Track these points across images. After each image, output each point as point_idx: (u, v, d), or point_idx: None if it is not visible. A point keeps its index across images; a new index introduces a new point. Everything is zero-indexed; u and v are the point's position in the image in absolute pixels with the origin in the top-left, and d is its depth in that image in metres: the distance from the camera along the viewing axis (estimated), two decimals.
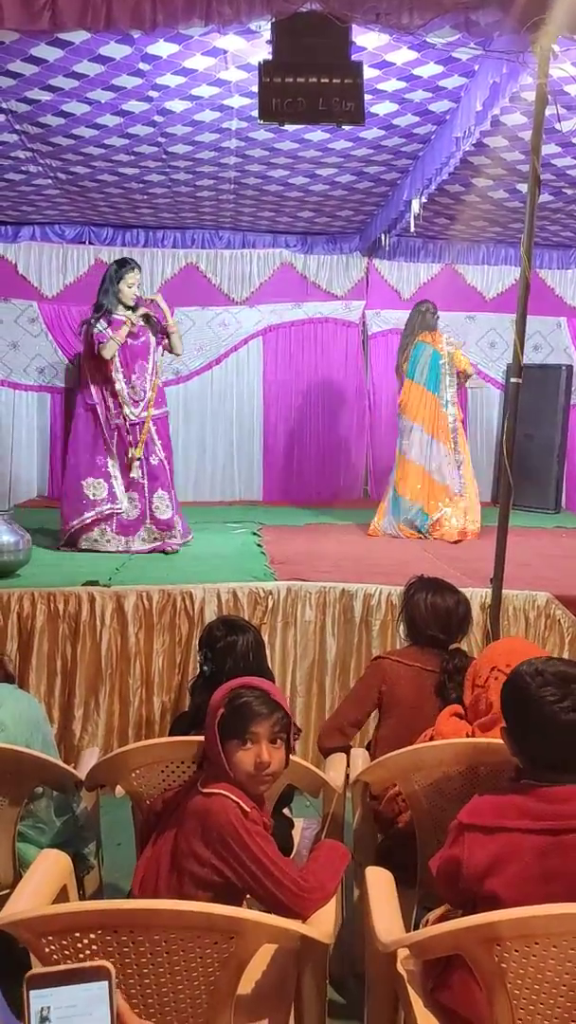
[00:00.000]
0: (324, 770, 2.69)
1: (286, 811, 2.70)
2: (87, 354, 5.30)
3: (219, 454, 8.11)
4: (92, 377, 5.23)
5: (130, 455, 5.18)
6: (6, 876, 2.32)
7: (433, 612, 2.88)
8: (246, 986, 1.90)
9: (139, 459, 5.19)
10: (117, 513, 5.17)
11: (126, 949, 1.56)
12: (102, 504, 5.14)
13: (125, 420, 5.19)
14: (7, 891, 2.24)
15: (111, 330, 5.14)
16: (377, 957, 1.89)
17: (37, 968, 0.86)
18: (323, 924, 1.84)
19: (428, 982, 1.84)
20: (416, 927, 2.20)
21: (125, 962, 1.57)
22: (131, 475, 5.19)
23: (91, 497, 5.16)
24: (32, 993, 0.83)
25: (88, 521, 5.16)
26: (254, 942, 1.66)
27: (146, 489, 5.22)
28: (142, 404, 5.22)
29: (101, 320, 5.17)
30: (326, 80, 3.71)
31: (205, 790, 1.90)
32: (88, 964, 0.85)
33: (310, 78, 3.70)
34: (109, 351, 5.12)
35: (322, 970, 1.99)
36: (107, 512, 5.15)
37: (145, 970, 1.58)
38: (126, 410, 5.19)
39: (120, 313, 5.22)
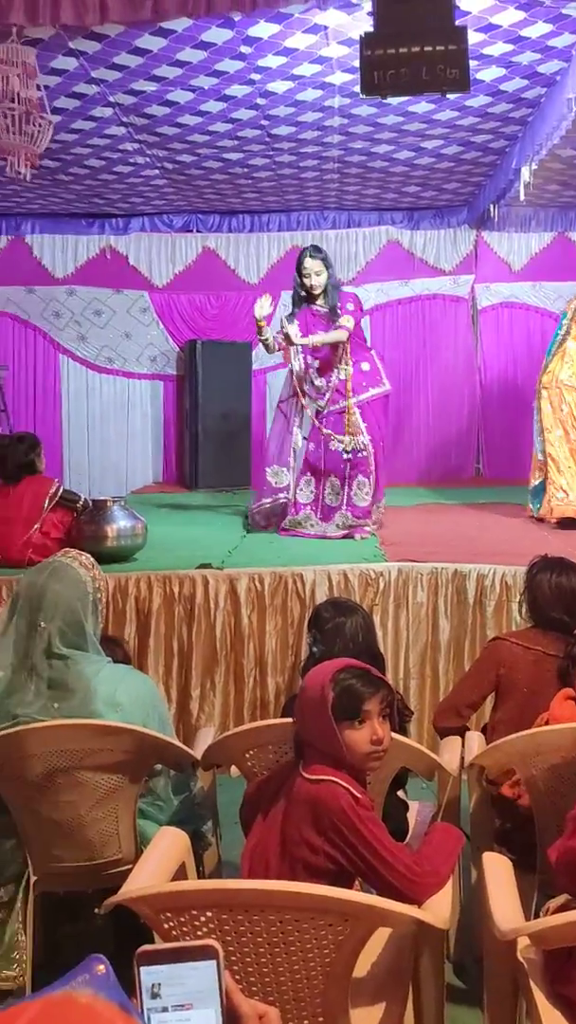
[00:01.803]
0: (439, 753, 2.65)
1: (400, 793, 2.68)
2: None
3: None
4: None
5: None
6: (128, 852, 2.39)
7: (558, 593, 2.77)
8: (362, 970, 1.90)
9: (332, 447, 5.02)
10: (300, 500, 5.10)
11: (242, 928, 1.58)
12: (285, 491, 5.15)
13: (315, 411, 5.08)
14: (129, 867, 2.31)
15: (286, 327, 4.95)
16: (496, 945, 1.85)
17: (146, 945, 0.87)
18: (439, 909, 1.82)
19: (549, 973, 1.79)
20: (536, 914, 2.14)
21: (241, 941, 1.59)
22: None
23: (273, 484, 5.21)
24: (143, 969, 0.85)
25: (266, 506, 5.22)
26: (369, 926, 1.65)
27: (346, 475, 5.00)
28: (327, 396, 5.04)
29: (288, 316, 5.03)
30: (429, 48, 3.61)
31: (312, 776, 1.89)
32: (196, 943, 0.86)
33: (413, 47, 3.61)
34: (270, 351, 5.06)
35: (439, 955, 1.97)
36: (283, 499, 5.14)
37: (261, 949, 1.60)
38: (312, 402, 5.10)
39: (298, 308, 5.03)
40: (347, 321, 4.94)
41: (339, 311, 4.96)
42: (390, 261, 7.87)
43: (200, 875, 2.52)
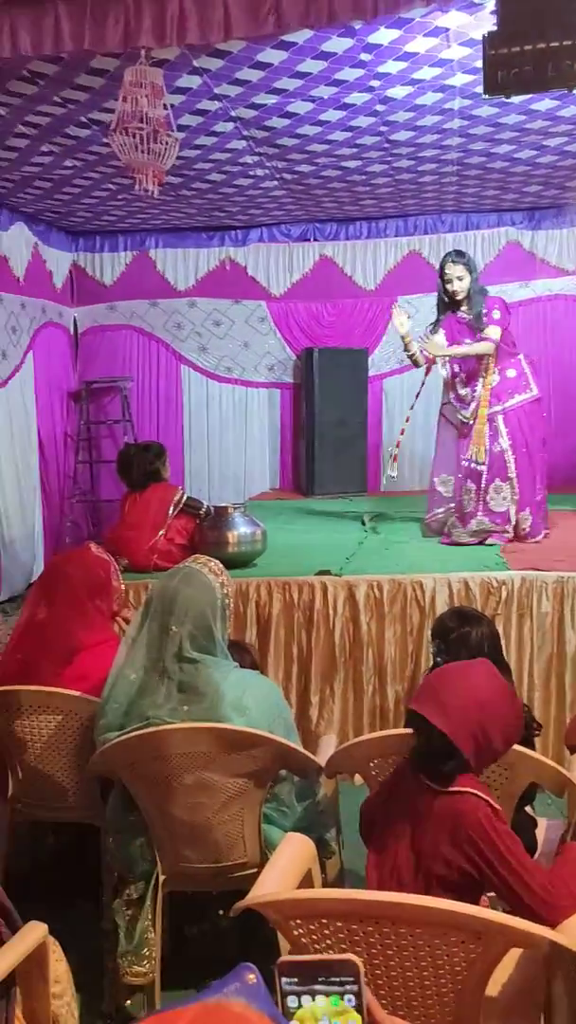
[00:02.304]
0: (569, 768, 2.56)
1: (528, 809, 2.61)
2: None
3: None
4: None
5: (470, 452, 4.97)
6: (253, 855, 2.42)
7: None
8: (494, 989, 1.85)
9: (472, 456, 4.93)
10: (462, 507, 5.00)
11: (372, 940, 1.57)
12: (450, 500, 5.11)
13: (459, 421, 5.06)
14: (254, 870, 2.33)
15: (429, 338, 4.95)
16: None
17: (288, 956, 0.87)
18: (574, 931, 1.75)
19: None
20: None
21: (371, 952, 1.58)
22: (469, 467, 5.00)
23: (442, 493, 5.19)
24: (284, 980, 0.85)
25: (439, 515, 5.19)
26: (502, 945, 1.61)
27: (483, 480, 4.89)
28: (471, 407, 4.94)
29: (433, 325, 5.01)
30: (555, 44, 3.51)
31: (453, 789, 1.86)
32: (338, 957, 0.86)
33: (538, 44, 3.52)
34: (418, 365, 5.02)
35: (573, 979, 1.90)
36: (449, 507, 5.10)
37: (391, 963, 1.59)
38: (455, 412, 5.09)
39: (444, 314, 4.98)
40: (493, 332, 4.81)
41: (484, 319, 4.83)
42: (510, 263, 7.70)
43: (323, 883, 2.52)
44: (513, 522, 4.90)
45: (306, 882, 2.03)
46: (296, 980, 0.86)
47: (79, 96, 4.65)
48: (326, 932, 1.61)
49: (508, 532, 4.90)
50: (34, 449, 7.32)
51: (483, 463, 4.86)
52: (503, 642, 3.94)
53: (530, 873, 1.81)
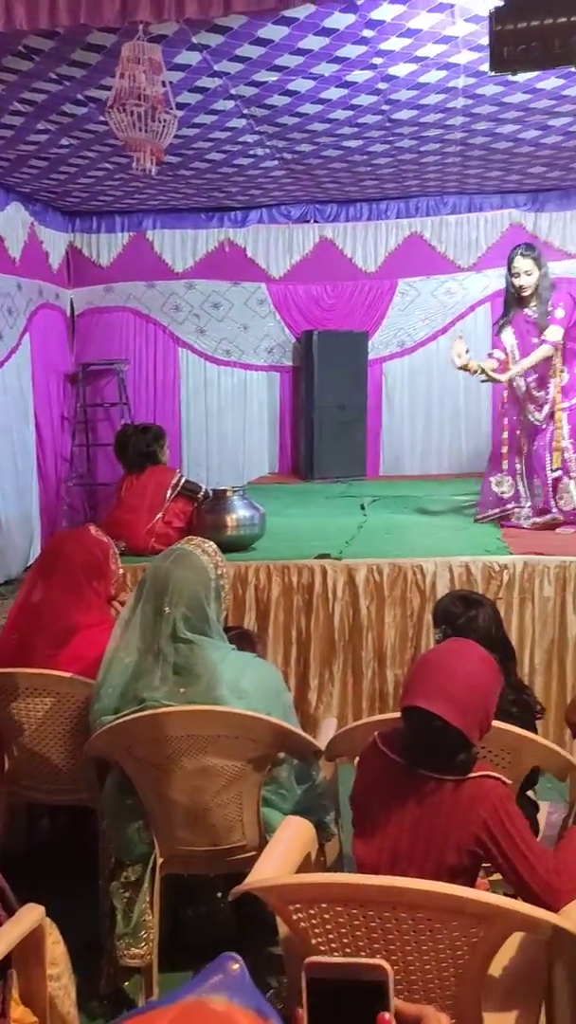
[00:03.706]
0: (571, 752, 2.55)
1: (530, 793, 2.59)
2: None
3: (446, 426, 7.94)
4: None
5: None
6: (252, 839, 2.40)
7: None
8: (495, 972, 1.84)
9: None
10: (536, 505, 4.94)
11: (372, 924, 1.55)
12: (512, 502, 5.01)
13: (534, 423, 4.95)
14: (252, 853, 2.31)
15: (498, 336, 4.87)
16: None
17: (315, 956, 0.84)
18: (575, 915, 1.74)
19: None
20: None
21: (372, 937, 1.56)
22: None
23: (498, 493, 5.06)
24: (311, 979, 0.82)
25: (493, 515, 5.06)
26: (504, 929, 1.59)
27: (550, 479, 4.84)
28: (545, 409, 4.86)
29: (500, 324, 4.90)
30: (563, 19, 3.46)
31: (473, 775, 1.81)
32: (367, 961, 0.83)
33: (545, 19, 3.46)
34: (495, 381, 4.82)
35: (574, 963, 1.88)
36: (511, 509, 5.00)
37: (392, 947, 1.57)
38: (532, 414, 4.96)
39: (513, 311, 4.86)
40: (552, 334, 4.67)
41: (548, 318, 4.71)
42: (512, 245, 7.60)
43: (321, 866, 2.50)
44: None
45: (305, 866, 2.01)
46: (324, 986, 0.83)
47: (76, 72, 4.57)
48: (326, 917, 1.59)
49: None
50: (31, 431, 7.27)
51: (557, 468, 4.78)
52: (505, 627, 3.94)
53: (537, 857, 1.79)
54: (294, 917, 1.61)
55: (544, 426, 4.86)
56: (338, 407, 7.61)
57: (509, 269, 4.80)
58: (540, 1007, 1.85)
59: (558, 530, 4.73)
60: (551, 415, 4.82)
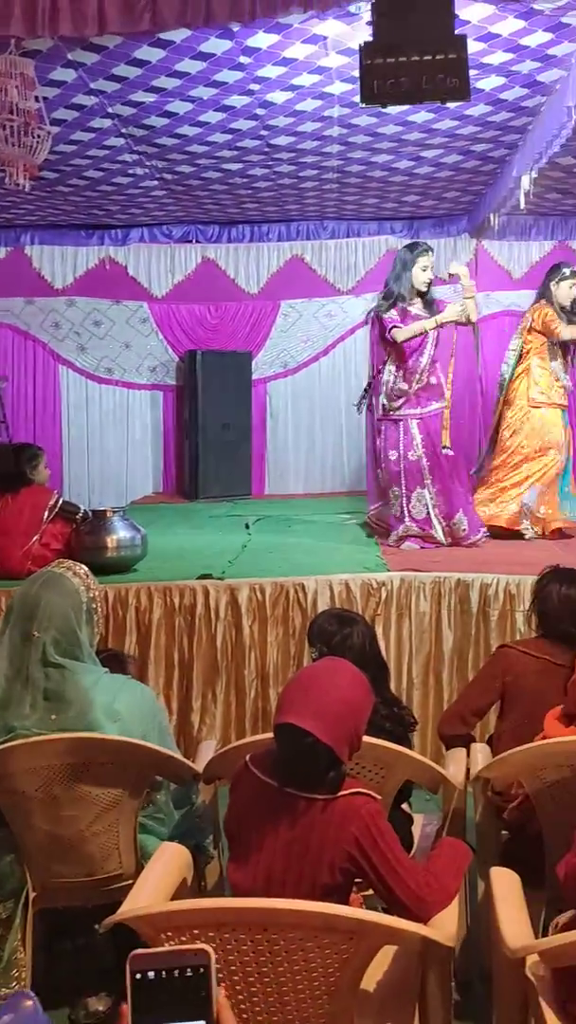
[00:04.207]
0: (444, 765, 2.62)
1: (405, 806, 2.65)
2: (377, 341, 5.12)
3: (328, 445, 8.08)
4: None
5: None
6: (129, 867, 2.36)
7: (567, 604, 2.76)
8: (368, 987, 1.87)
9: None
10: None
11: (244, 947, 1.55)
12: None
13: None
14: (130, 882, 2.27)
15: (402, 321, 4.96)
16: (504, 962, 1.81)
17: (139, 950, 0.86)
18: (446, 926, 1.78)
19: (560, 991, 1.75)
20: (545, 931, 2.11)
21: (244, 960, 1.56)
22: None
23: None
24: (135, 973, 0.84)
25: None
26: (374, 943, 1.62)
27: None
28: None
29: (393, 308, 5.00)
30: (429, 57, 3.60)
31: (343, 793, 1.83)
32: (189, 947, 0.85)
33: (412, 56, 3.59)
34: (402, 334, 4.94)
35: (446, 972, 1.93)
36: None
37: (265, 968, 1.57)
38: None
39: (413, 304, 5.02)
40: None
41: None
42: (390, 270, 7.86)
43: (202, 890, 2.48)
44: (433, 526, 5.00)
45: (182, 891, 1.99)
46: (149, 975, 0.85)
47: None
48: (199, 943, 1.57)
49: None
50: None
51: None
52: (383, 642, 4.03)
53: (406, 870, 1.82)
54: (166, 945, 1.59)
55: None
56: (222, 426, 7.64)
57: (412, 265, 5.03)
58: (413, 1016, 1.89)
59: (403, 545, 4.93)
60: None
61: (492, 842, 2.61)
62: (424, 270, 5.00)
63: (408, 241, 7.75)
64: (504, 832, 2.60)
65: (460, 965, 2.51)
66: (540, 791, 2.27)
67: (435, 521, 4.96)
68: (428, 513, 4.95)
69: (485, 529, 5.07)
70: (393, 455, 4.99)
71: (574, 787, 2.22)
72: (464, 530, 4.96)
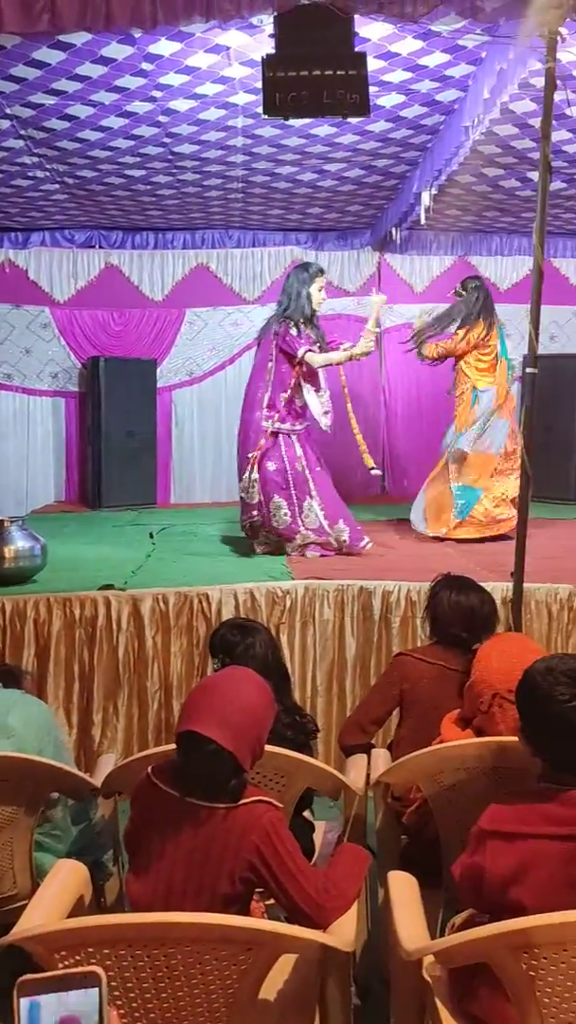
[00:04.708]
0: (344, 772, 2.64)
1: (307, 814, 2.66)
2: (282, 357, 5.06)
3: (234, 454, 8.02)
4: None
5: None
6: (24, 886, 2.29)
7: (457, 611, 2.83)
8: (269, 995, 1.86)
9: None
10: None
11: (140, 963, 1.52)
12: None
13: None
14: (25, 902, 2.21)
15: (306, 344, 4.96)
16: (401, 965, 1.84)
17: (28, 974, 0.84)
18: (343, 932, 1.80)
19: (455, 991, 1.79)
20: (442, 932, 2.14)
21: (140, 976, 1.54)
22: None
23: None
24: (23, 1000, 0.81)
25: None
26: (272, 953, 1.62)
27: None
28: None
29: (300, 325, 4.98)
30: (330, 72, 3.66)
31: (245, 801, 1.82)
32: (80, 970, 0.84)
33: (314, 71, 3.64)
34: (317, 360, 4.96)
35: (345, 978, 1.94)
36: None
37: (161, 984, 1.55)
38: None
39: (307, 325, 5.01)
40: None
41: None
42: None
43: (102, 907, 2.44)
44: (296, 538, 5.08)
45: (79, 910, 1.95)
46: (38, 999, 0.82)
47: None
48: (93, 962, 1.54)
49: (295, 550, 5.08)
50: None
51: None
52: (287, 650, 4.05)
53: (306, 878, 1.83)
54: (60, 966, 1.55)
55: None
56: (127, 434, 7.54)
57: (310, 285, 5.05)
58: (313, 1023, 1.89)
59: (307, 553, 5.02)
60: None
61: (392, 846, 2.64)
62: (320, 291, 5.06)
63: (313, 253, 7.88)
64: (404, 836, 2.64)
65: (361, 969, 2.54)
66: (437, 794, 2.31)
67: (327, 529, 5.04)
68: (320, 523, 5.03)
69: (368, 539, 5.16)
70: (275, 466, 5.04)
71: (470, 790, 2.27)
72: (345, 540, 5.06)
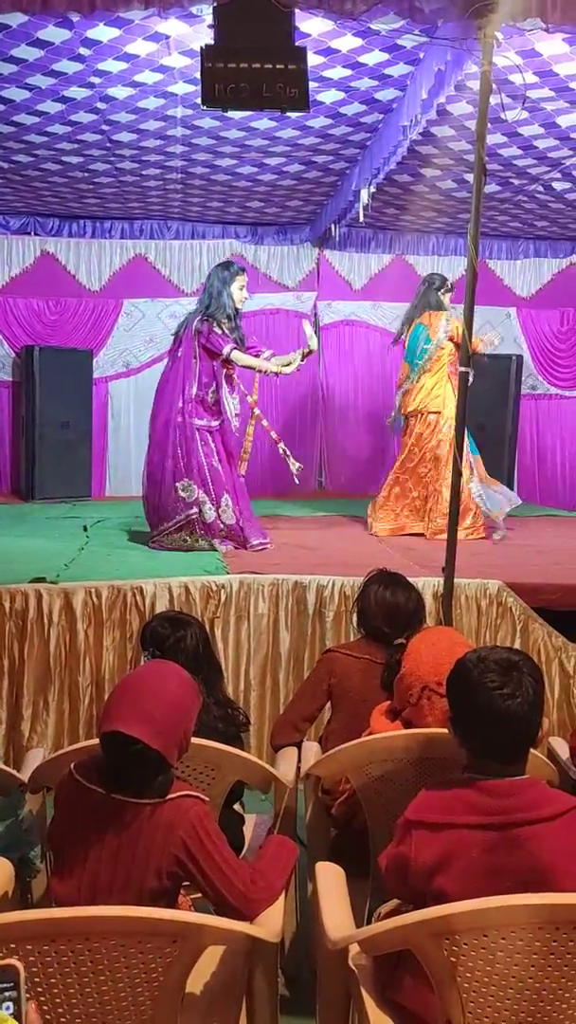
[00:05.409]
0: (275, 765, 2.65)
1: (237, 806, 2.66)
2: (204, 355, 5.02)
3: None
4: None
5: None
6: None
7: (382, 606, 2.86)
8: (195, 987, 1.87)
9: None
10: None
11: (65, 958, 1.51)
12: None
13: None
14: None
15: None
16: (327, 955, 1.86)
17: None
18: (270, 923, 1.80)
19: (380, 979, 1.81)
20: (369, 920, 2.17)
21: (64, 972, 1.52)
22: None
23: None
24: None
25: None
26: (199, 945, 1.62)
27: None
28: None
29: (222, 324, 4.96)
30: (269, 66, 3.65)
31: (172, 796, 1.81)
32: None
33: (253, 63, 3.63)
34: (242, 360, 4.98)
35: (272, 969, 1.95)
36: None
37: (86, 978, 1.53)
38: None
39: (228, 323, 4.99)
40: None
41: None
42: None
43: (28, 904, 2.40)
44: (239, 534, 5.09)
45: (2, 907, 1.92)
46: None
47: None
48: (16, 957, 1.52)
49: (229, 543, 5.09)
50: None
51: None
52: (221, 645, 4.04)
53: (233, 870, 1.83)
54: None
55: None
56: (61, 425, 7.43)
57: (231, 284, 5.04)
58: (240, 1014, 1.90)
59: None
60: None
61: (322, 838, 2.66)
62: (241, 289, 5.05)
63: (252, 247, 7.87)
64: (333, 829, 2.67)
65: (290, 960, 2.56)
66: (366, 785, 2.34)
67: (239, 524, 5.08)
68: (235, 517, 5.08)
69: (267, 539, 5.18)
70: (199, 462, 5.04)
71: (398, 780, 2.30)
72: (248, 536, 5.10)
